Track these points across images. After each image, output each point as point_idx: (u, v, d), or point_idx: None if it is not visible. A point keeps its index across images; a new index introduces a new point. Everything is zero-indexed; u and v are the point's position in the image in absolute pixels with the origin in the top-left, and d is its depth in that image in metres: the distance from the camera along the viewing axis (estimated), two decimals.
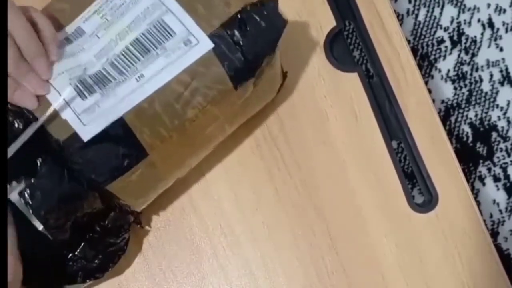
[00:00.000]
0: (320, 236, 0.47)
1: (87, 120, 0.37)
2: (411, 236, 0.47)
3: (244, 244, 0.47)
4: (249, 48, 0.39)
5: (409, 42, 0.66)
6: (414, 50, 0.67)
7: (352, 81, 0.49)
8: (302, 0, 0.50)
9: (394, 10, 0.50)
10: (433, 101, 0.55)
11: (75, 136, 0.37)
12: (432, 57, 0.67)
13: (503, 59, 0.67)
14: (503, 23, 0.67)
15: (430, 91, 0.64)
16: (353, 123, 0.48)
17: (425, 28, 0.67)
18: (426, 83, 0.64)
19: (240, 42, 0.38)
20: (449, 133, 0.65)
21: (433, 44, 0.67)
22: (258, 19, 0.39)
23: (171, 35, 0.38)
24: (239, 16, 0.38)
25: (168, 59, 0.37)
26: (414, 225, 0.47)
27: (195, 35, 0.38)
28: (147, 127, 0.38)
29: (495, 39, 0.67)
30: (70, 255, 0.41)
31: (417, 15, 0.67)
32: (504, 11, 0.67)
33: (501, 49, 0.67)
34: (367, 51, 0.50)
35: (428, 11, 0.67)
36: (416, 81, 0.49)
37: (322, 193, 0.47)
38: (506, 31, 0.67)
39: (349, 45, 0.61)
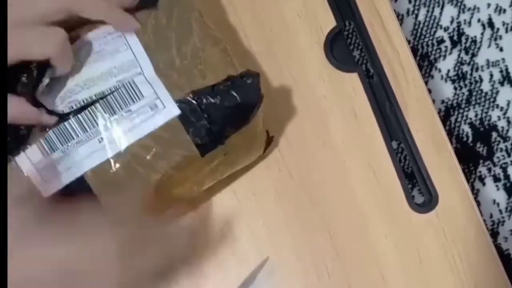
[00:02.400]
0: (320, 236, 0.47)
1: (48, 177, 0.37)
2: (411, 236, 0.47)
3: (244, 244, 0.47)
4: (218, 119, 0.38)
5: (409, 42, 0.66)
6: (414, 50, 0.67)
7: (352, 81, 0.49)
8: (302, 0, 0.50)
9: (394, 10, 0.50)
10: (433, 101, 0.55)
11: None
12: (432, 57, 0.67)
13: (503, 59, 0.67)
14: (503, 23, 0.67)
15: (430, 91, 0.64)
16: (353, 123, 0.48)
17: (425, 28, 0.67)
18: (426, 83, 0.64)
19: (209, 111, 0.38)
20: (449, 133, 0.65)
21: (433, 44, 0.67)
22: (232, 91, 0.38)
23: (139, 98, 0.37)
24: (213, 87, 0.38)
25: (132, 122, 0.37)
26: (414, 225, 0.47)
27: (162, 100, 0.37)
28: (108, 186, 0.37)
29: (495, 39, 0.67)
30: None
31: (417, 15, 0.67)
32: (504, 11, 0.67)
33: (501, 49, 0.67)
34: (367, 51, 0.50)
35: (428, 11, 0.67)
36: (416, 81, 0.49)
37: (322, 193, 0.47)
38: (506, 31, 0.67)
39: (349, 45, 0.61)
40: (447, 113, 0.66)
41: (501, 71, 0.66)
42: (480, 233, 0.47)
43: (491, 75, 0.66)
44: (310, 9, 0.50)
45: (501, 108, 0.66)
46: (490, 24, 0.67)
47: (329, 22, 0.50)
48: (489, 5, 0.67)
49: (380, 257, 0.46)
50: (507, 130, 0.66)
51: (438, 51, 0.67)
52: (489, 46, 0.67)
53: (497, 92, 0.66)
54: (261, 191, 0.47)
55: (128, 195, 0.38)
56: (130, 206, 0.39)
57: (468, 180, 0.57)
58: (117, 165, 0.37)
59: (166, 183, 0.39)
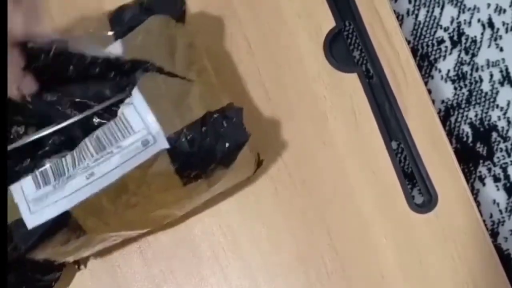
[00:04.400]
0: (320, 236, 0.47)
1: (35, 209, 0.37)
2: (411, 236, 0.47)
3: (244, 244, 0.47)
4: (205, 156, 0.38)
5: (409, 42, 0.66)
6: (414, 50, 0.67)
7: (352, 81, 0.49)
8: (302, 0, 0.50)
9: (394, 10, 0.50)
10: (433, 101, 0.55)
11: (21, 221, 0.37)
12: (432, 57, 0.67)
13: (503, 59, 0.67)
14: (503, 23, 0.67)
15: (430, 91, 0.64)
16: (353, 123, 0.48)
17: (425, 28, 0.67)
18: (426, 83, 0.64)
19: (197, 147, 0.38)
20: (449, 133, 0.65)
21: (433, 44, 0.67)
22: (220, 129, 0.38)
23: (130, 134, 0.37)
24: (202, 121, 0.38)
25: (122, 158, 0.37)
26: (414, 225, 0.47)
27: (154, 135, 0.37)
28: (91, 215, 0.38)
29: (495, 39, 0.67)
30: None
31: (417, 15, 0.67)
32: (504, 11, 0.67)
33: (501, 49, 0.67)
34: (367, 51, 0.50)
35: (428, 11, 0.67)
36: (416, 81, 0.49)
37: (322, 193, 0.47)
38: (506, 31, 0.67)
39: (349, 45, 0.61)
40: (447, 113, 0.65)
41: (501, 71, 0.66)
42: (480, 233, 0.47)
43: (491, 75, 0.66)
44: (309, 9, 0.50)
45: (501, 108, 0.66)
46: (490, 24, 0.67)
47: (328, 22, 0.50)
48: (489, 5, 0.67)
49: (380, 257, 0.46)
50: (507, 130, 0.65)
51: (438, 51, 0.67)
52: (489, 46, 0.67)
53: (497, 92, 0.66)
54: (260, 191, 0.47)
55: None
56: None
57: (468, 180, 0.57)
58: (103, 198, 0.37)
59: (144, 206, 0.39)
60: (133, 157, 0.37)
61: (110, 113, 0.39)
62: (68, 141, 0.39)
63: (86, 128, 0.39)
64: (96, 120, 0.39)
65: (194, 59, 0.41)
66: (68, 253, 0.41)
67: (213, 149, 0.38)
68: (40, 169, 0.37)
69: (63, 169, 0.37)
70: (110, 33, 0.41)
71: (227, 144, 0.38)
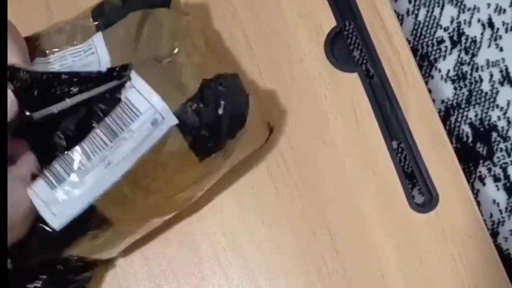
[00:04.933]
0: (320, 236, 0.47)
1: (56, 209, 0.36)
2: (411, 236, 0.47)
3: (244, 243, 0.47)
4: (214, 126, 0.38)
5: (409, 42, 0.66)
6: (414, 50, 0.67)
7: (352, 81, 0.49)
8: (302, 0, 0.50)
9: (394, 10, 0.50)
10: (433, 101, 0.55)
11: (45, 224, 0.37)
12: (432, 57, 0.67)
13: (503, 59, 0.67)
14: (503, 23, 0.67)
15: (430, 91, 0.64)
16: (353, 123, 0.48)
17: (425, 28, 0.67)
18: (426, 83, 0.64)
19: (204, 118, 0.38)
20: (449, 133, 0.65)
21: (433, 44, 0.67)
22: (220, 97, 0.38)
23: (138, 116, 0.37)
24: (201, 92, 0.38)
25: (135, 141, 0.37)
26: (414, 225, 0.47)
27: (161, 112, 0.37)
28: (115, 206, 0.38)
29: (495, 39, 0.67)
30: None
31: (417, 15, 0.67)
32: (504, 11, 0.67)
33: (501, 49, 0.67)
34: (367, 51, 0.50)
35: (428, 11, 0.67)
36: (416, 81, 0.49)
37: (322, 192, 0.47)
38: (506, 31, 0.67)
39: (349, 45, 0.61)
40: (447, 113, 0.66)
41: (501, 71, 0.66)
42: (480, 233, 0.47)
43: (491, 75, 0.66)
44: (310, 9, 0.50)
45: (501, 108, 0.66)
46: (490, 24, 0.67)
47: (329, 22, 0.50)
48: (489, 5, 0.67)
49: (380, 257, 0.46)
50: (507, 130, 0.66)
51: (438, 51, 0.67)
52: (489, 46, 0.67)
53: (497, 92, 0.66)
54: (261, 190, 0.47)
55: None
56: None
57: (468, 180, 0.57)
58: (124, 186, 0.37)
59: (165, 189, 0.39)
60: (146, 138, 0.37)
61: (105, 103, 0.38)
62: (69, 134, 0.38)
63: (83, 119, 0.38)
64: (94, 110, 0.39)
65: (182, 41, 0.40)
66: (98, 249, 0.40)
67: (220, 117, 0.38)
68: (48, 169, 0.37)
69: (75, 164, 0.37)
70: (92, 24, 0.41)
71: (230, 108, 0.38)
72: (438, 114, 0.48)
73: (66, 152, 0.37)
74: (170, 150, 0.38)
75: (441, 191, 0.47)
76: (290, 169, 0.48)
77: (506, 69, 0.66)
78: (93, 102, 0.38)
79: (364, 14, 0.49)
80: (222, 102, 0.38)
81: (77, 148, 0.37)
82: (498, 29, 0.67)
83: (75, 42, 0.40)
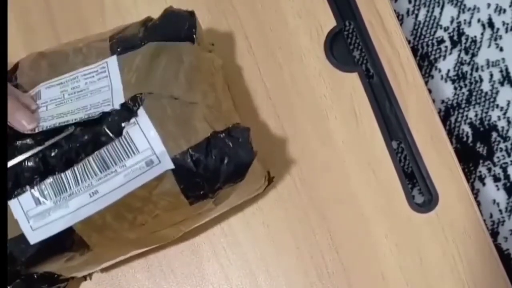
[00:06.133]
0: (320, 236, 0.47)
1: (36, 225, 0.37)
2: (411, 236, 0.47)
3: (244, 244, 0.47)
4: (212, 177, 0.38)
5: (409, 42, 0.66)
6: (414, 50, 0.67)
7: (352, 81, 0.49)
8: (302, 0, 0.50)
9: (394, 10, 0.50)
10: (433, 101, 0.55)
11: (22, 237, 0.37)
12: (432, 57, 0.67)
13: (503, 59, 0.67)
14: (503, 23, 0.67)
15: (430, 91, 0.64)
16: (353, 123, 0.48)
17: (425, 28, 0.67)
18: (426, 83, 0.64)
19: (202, 167, 0.37)
20: (449, 133, 0.65)
21: (433, 44, 0.67)
22: (225, 149, 0.38)
23: (134, 154, 0.37)
24: (207, 142, 0.37)
25: (126, 177, 0.37)
26: (414, 225, 0.47)
27: (158, 156, 0.37)
28: (95, 232, 0.38)
29: (495, 39, 0.67)
30: None
31: (417, 15, 0.67)
32: (504, 11, 0.67)
33: (501, 49, 0.67)
34: (367, 51, 0.50)
35: (428, 11, 0.67)
36: (416, 81, 0.49)
37: (322, 193, 0.47)
38: (506, 31, 0.67)
39: (349, 45, 0.61)
40: (447, 113, 0.65)
41: (501, 71, 0.66)
42: (480, 233, 0.47)
43: (491, 75, 0.66)
44: (310, 9, 0.50)
45: (501, 108, 0.66)
46: (490, 24, 0.67)
47: (329, 22, 0.50)
48: (489, 5, 0.67)
49: (380, 257, 0.46)
50: (507, 130, 0.65)
51: (438, 51, 0.67)
52: (489, 46, 0.67)
53: (497, 92, 0.66)
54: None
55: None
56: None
57: (468, 180, 0.57)
58: (107, 215, 0.37)
59: (149, 225, 0.39)
60: (137, 176, 0.37)
61: (112, 130, 0.38)
62: (67, 157, 0.38)
63: (86, 144, 0.38)
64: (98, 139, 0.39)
65: (200, 79, 0.40)
66: (74, 269, 0.41)
67: (219, 170, 0.38)
68: (38, 185, 0.37)
69: (64, 186, 0.37)
70: (107, 45, 0.41)
71: (232, 165, 0.38)
72: (438, 114, 0.48)
73: (58, 172, 0.37)
74: (161, 191, 0.38)
75: (441, 191, 0.47)
76: (290, 169, 0.48)
77: (506, 69, 0.66)
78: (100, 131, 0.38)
79: (364, 14, 0.49)
80: (226, 158, 0.38)
81: (69, 171, 0.37)
82: (498, 29, 0.67)
83: (89, 62, 0.40)
